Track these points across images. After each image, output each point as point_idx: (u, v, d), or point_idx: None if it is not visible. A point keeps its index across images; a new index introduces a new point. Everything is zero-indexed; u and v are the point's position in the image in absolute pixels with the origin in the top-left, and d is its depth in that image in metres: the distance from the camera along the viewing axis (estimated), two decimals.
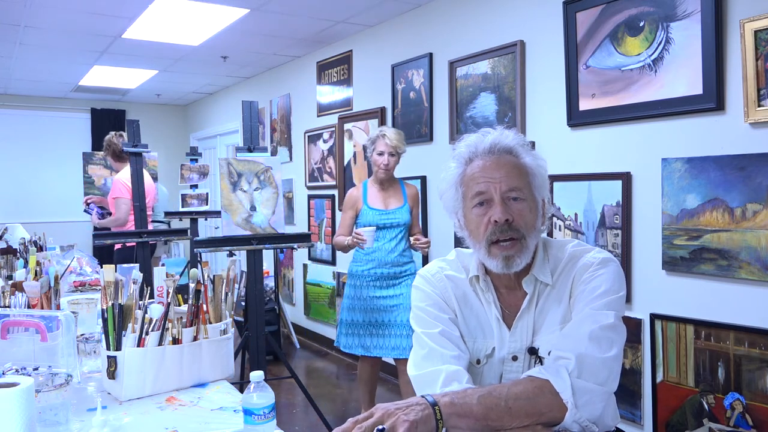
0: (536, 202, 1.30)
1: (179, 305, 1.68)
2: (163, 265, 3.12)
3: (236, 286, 1.74)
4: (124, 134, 4.35)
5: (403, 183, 3.36)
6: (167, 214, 4.94)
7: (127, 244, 4.02)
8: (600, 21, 2.80)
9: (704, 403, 2.46)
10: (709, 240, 2.41)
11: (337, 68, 4.95)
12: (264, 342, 3.10)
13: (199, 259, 3.04)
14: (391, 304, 3.22)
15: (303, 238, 3.16)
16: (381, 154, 3.18)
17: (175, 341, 1.56)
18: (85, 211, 5.03)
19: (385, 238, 3.21)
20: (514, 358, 1.29)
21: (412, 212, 3.28)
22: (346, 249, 3.23)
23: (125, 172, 4.19)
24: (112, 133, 4.62)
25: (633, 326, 2.67)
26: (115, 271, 1.56)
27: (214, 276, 1.66)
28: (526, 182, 1.28)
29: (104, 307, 1.50)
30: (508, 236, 1.24)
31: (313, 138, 5.35)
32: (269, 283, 5.33)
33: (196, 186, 4.90)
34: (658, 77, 2.58)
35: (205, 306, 1.64)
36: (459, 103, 3.66)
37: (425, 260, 3.81)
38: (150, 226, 4.58)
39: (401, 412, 1.05)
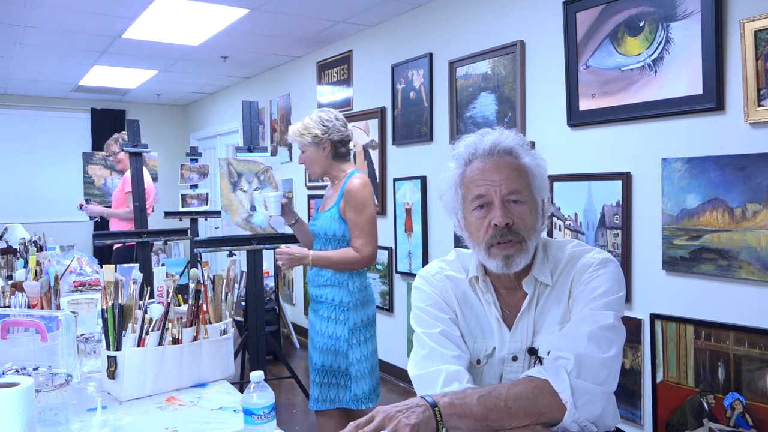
0: (536, 204, 1.29)
1: (179, 305, 1.69)
2: (163, 265, 3.13)
3: (236, 286, 1.74)
4: None
5: (348, 180, 2.45)
6: (167, 214, 4.94)
7: (127, 244, 4.03)
8: (600, 21, 2.80)
9: (704, 403, 2.46)
10: (709, 240, 2.41)
11: (337, 68, 4.95)
12: (264, 342, 3.11)
13: (199, 259, 3.04)
14: (311, 334, 2.50)
15: None
16: None
17: (175, 341, 1.56)
18: (81, 207, 5.02)
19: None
20: (514, 359, 1.29)
21: (346, 216, 2.39)
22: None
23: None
24: (123, 132, 4.63)
25: (633, 326, 2.67)
26: (115, 271, 1.56)
27: (214, 276, 1.66)
28: (525, 184, 1.27)
29: (104, 307, 1.50)
30: (507, 239, 1.24)
31: None
32: (269, 283, 5.33)
33: (196, 186, 4.91)
34: (658, 77, 2.58)
35: (205, 306, 1.64)
36: (459, 103, 3.66)
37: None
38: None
39: (402, 415, 1.05)
